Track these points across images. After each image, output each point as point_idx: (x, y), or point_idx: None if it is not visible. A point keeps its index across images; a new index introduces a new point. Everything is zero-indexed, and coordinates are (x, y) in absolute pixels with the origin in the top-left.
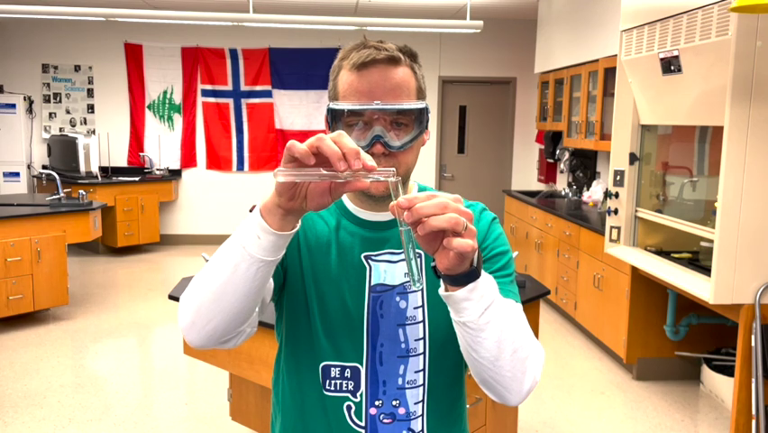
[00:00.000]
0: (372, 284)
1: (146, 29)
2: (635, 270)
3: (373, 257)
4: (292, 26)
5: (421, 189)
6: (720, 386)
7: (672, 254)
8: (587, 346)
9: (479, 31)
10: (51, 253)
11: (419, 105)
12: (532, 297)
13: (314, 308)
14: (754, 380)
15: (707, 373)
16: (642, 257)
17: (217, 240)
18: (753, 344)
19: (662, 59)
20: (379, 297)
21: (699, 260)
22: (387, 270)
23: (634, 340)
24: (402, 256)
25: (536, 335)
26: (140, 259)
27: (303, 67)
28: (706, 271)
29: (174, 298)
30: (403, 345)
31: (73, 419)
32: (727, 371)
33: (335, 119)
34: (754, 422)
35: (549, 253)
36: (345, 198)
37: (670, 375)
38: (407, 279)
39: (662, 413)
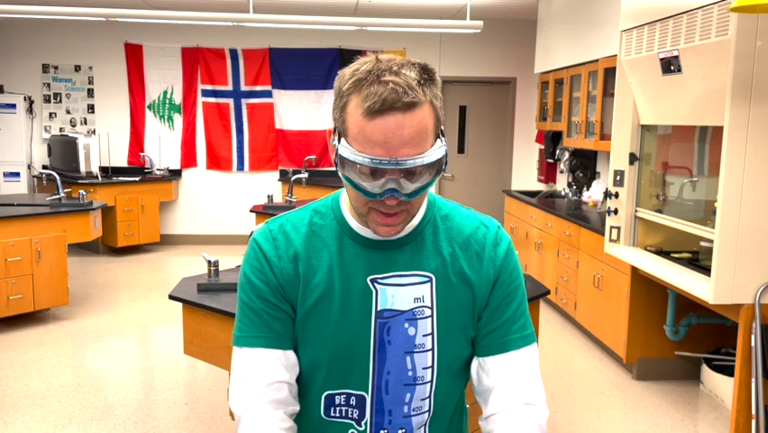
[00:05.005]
0: (379, 309)
1: (146, 29)
2: (635, 270)
3: (379, 280)
4: (292, 26)
5: (431, 200)
6: (720, 386)
7: (672, 254)
8: (587, 346)
9: (479, 31)
10: (51, 253)
11: (438, 155)
12: (532, 297)
13: (317, 337)
14: (753, 380)
15: (707, 372)
16: (642, 257)
17: (217, 240)
18: (753, 344)
19: (662, 59)
20: (387, 323)
21: (699, 260)
22: (395, 294)
23: (634, 340)
24: (411, 280)
25: (536, 335)
26: (140, 259)
27: (303, 67)
28: (706, 271)
29: (174, 298)
30: (410, 374)
31: (73, 419)
32: (727, 371)
33: (345, 164)
34: (753, 422)
35: (549, 252)
36: (348, 215)
37: (670, 375)
38: (417, 303)
39: (662, 413)
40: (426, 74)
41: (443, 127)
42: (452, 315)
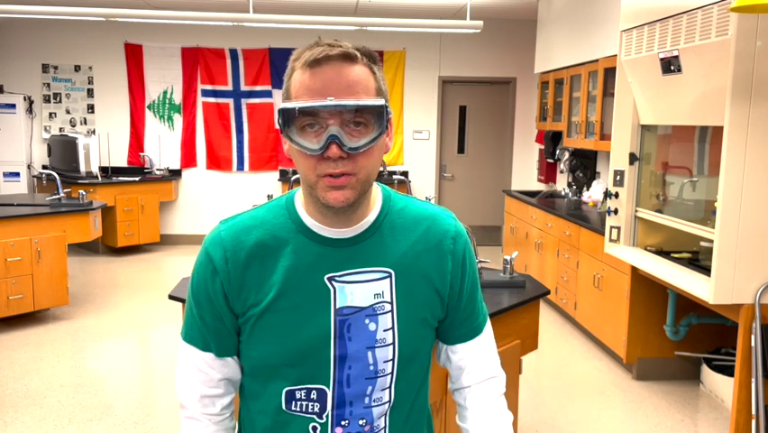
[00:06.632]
0: (338, 307)
1: (146, 29)
2: (635, 270)
3: (337, 278)
4: (292, 26)
5: (385, 194)
6: (720, 386)
7: (672, 254)
8: (587, 346)
9: (479, 31)
10: (51, 253)
11: (377, 101)
12: (532, 297)
13: (274, 336)
14: (753, 380)
15: (707, 372)
16: (642, 257)
17: None
18: (753, 344)
19: (662, 60)
20: (347, 319)
21: (699, 260)
22: (353, 291)
23: (634, 340)
24: (370, 276)
25: (536, 335)
26: (140, 259)
27: None
28: (706, 271)
29: (174, 298)
30: (371, 368)
31: (73, 419)
32: (727, 371)
33: (287, 122)
34: (753, 422)
35: (549, 253)
36: (303, 213)
37: (670, 375)
38: (377, 299)
39: (662, 413)
40: (365, 49)
41: (389, 107)
42: (412, 308)
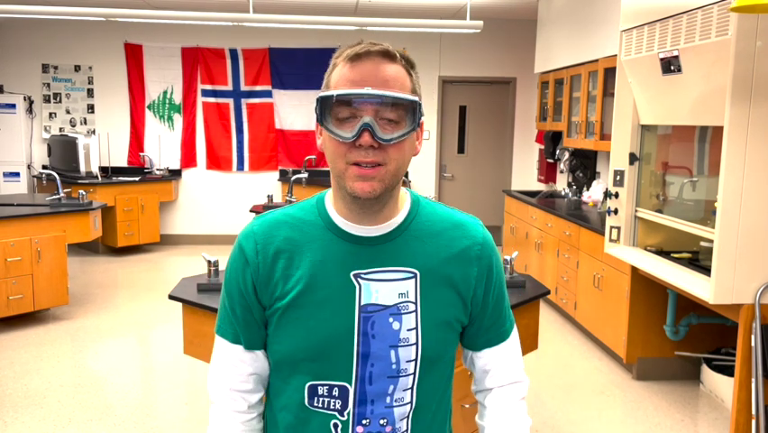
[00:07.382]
0: (362, 304)
1: (146, 29)
2: (635, 270)
3: (363, 275)
4: (292, 26)
5: (414, 198)
6: (720, 386)
7: (672, 254)
8: (587, 346)
9: (479, 31)
10: (51, 253)
11: (411, 97)
12: (532, 297)
13: (299, 330)
14: (753, 380)
15: (707, 372)
16: (642, 257)
17: (217, 240)
18: (753, 344)
19: (662, 60)
20: (371, 317)
21: (699, 260)
22: (379, 289)
23: (634, 340)
24: (395, 276)
25: (536, 335)
26: (140, 259)
27: (303, 67)
28: (706, 271)
29: (174, 298)
30: (394, 367)
31: (73, 419)
32: (727, 371)
33: (324, 110)
34: (753, 422)
35: (549, 253)
36: (332, 211)
37: (670, 375)
38: (401, 299)
39: (662, 413)
40: (406, 55)
41: (421, 102)
42: (435, 311)
